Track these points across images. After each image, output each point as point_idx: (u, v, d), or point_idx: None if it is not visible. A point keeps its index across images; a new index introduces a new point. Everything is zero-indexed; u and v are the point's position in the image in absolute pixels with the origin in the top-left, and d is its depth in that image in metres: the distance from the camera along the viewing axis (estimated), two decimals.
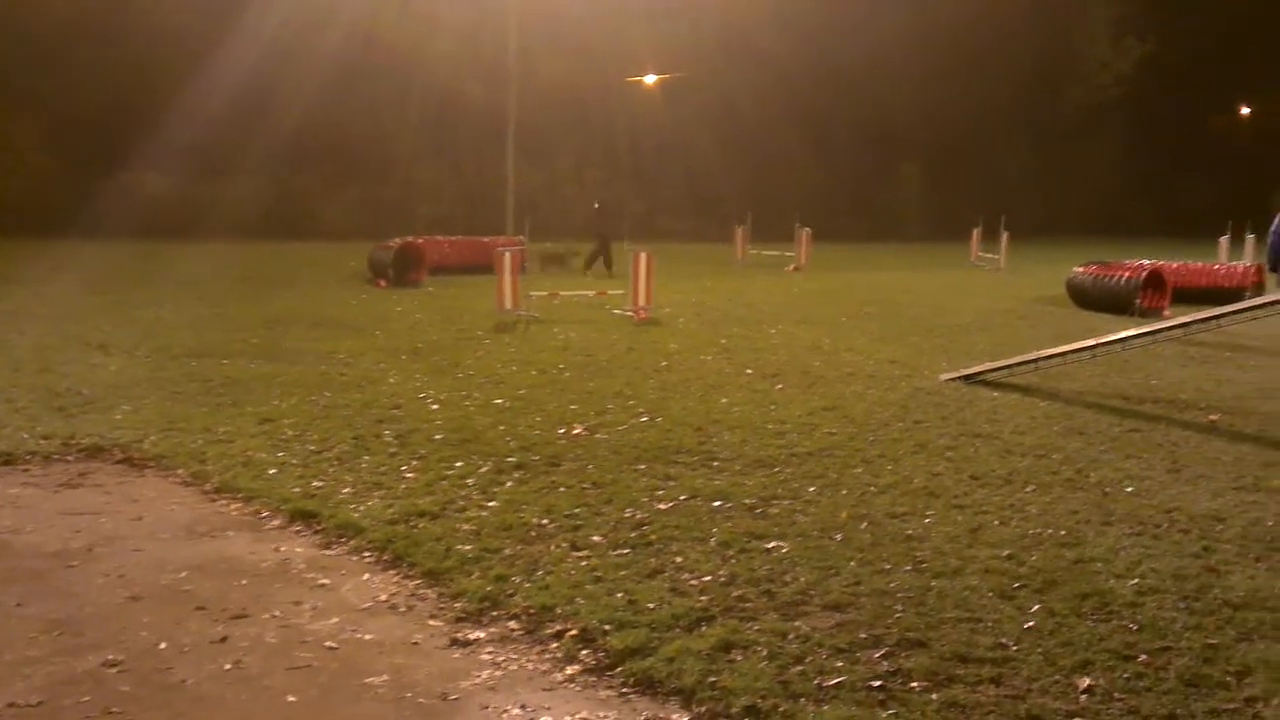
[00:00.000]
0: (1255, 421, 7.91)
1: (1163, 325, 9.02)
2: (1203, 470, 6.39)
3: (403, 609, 4.26)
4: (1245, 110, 55.16)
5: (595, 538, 5.00)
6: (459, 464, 6.28)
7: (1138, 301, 14.98)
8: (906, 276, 23.30)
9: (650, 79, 41.90)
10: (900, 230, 41.71)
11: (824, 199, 41.05)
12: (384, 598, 4.37)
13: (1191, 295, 16.04)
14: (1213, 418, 7.99)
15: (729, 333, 12.68)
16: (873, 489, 5.94)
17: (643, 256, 13.76)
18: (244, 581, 4.51)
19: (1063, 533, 5.18)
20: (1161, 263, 17.35)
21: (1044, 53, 48.31)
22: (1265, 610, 4.22)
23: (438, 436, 6.96)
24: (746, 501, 5.64)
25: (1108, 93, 50.58)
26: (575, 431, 7.20)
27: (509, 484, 5.91)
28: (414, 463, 6.32)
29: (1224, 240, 23.90)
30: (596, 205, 23.98)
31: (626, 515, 5.37)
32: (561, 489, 5.82)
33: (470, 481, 5.94)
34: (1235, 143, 55.12)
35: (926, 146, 46.34)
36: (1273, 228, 12.70)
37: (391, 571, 4.66)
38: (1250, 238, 23.34)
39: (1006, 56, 46.59)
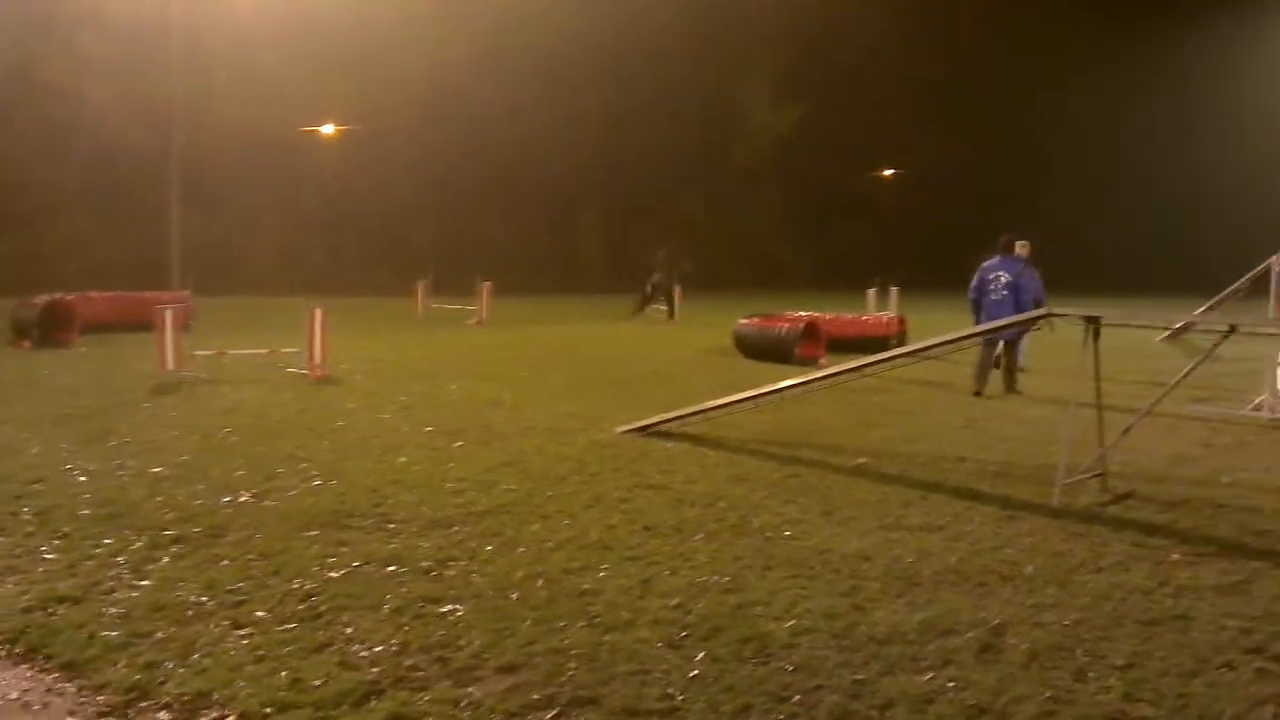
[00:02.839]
0: (898, 463, 8.58)
1: (817, 375, 9.67)
2: (852, 512, 6.86)
3: (37, 707, 3.87)
4: (893, 170, 60.49)
5: (259, 613, 4.76)
6: (108, 541, 5.82)
7: (796, 351, 16.02)
8: (587, 328, 23.85)
9: (328, 129, 41.06)
10: (581, 282, 42.73)
11: (507, 252, 41.54)
12: (14, 695, 3.96)
13: (844, 344, 17.27)
14: (861, 461, 8.62)
15: (409, 389, 12.49)
16: (549, 545, 5.98)
17: (318, 313, 13.33)
18: None
19: (727, 579, 5.41)
20: (817, 314, 18.65)
21: (712, 113, 51.27)
22: (905, 644, 4.56)
23: (85, 511, 6.41)
24: (422, 564, 5.54)
25: (768, 152, 54.20)
26: (241, 499, 6.84)
27: (165, 560, 5.53)
28: (55, 542, 5.79)
29: (871, 292, 25.93)
30: (661, 254, 25.22)
31: (295, 586, 5.15)
32: (224, 562, 5.50)
33: (121, 559, 5.51)
34: (885, 199, 60.32)
35: (606, 201, 47.90)
36: (972, 284, 13.34)
37: (24, 666, 4.22)
38: (894, 289, 25.45)
39: (679, 117, 49.04)
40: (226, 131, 35.57)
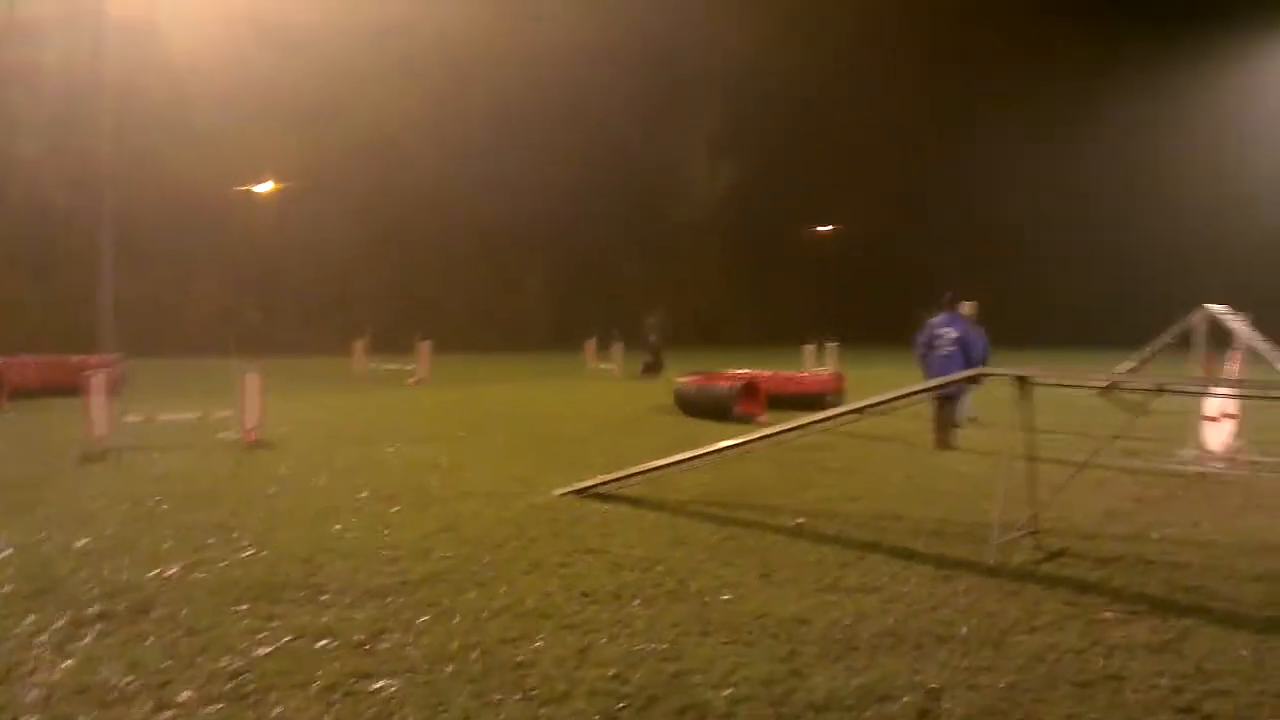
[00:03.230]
0: (836, 523, 8.61)
1: (756, 435, 9.69)
2: (790, 574, 6.86)
3: None
4: (831, 227, 61.41)
5: (185, 694, 4.63)
6: (29, 619, 5.65)
7: (736, 409, 16.09)
8: (528, 387, 23.78)
9: (265, 185, 40.85)
10: (523, 340, 42.68)
11: (448, 310, 41.46)
12: None
13: (784, 401, 17.38)
14: (799, 520, 8.64)
15: (345, 452, 12.35)
16: (485, 614, 5.90)
17: (252, 375, 13.15)
18: None
19: (665, 646, 5.37)
20: (757, 372, 18.78)
21: (653, 173, 51.81)
22: (843, 710, 4.55)
23: (6, 588, 6.23)
24: (355, 638, 5.43)
25: (708, 210, 54.83)
26: (169, 572, 6.68)
27: (88, 638, 5.37)
28: None
29: (809, 348, 26.16)
30: (652, 319, 26.41)
31: (223, 664, 5.02)
32: (150, 640, 5.36)
33: (42, 639, 5.35)
34: (821, 256, 61.14)
35: (547, 258, 48.07)
36: (921, 339, 13.66)
37: None
38: (832, 346, 25.72)
39: (620, 176, 49.47)
40: (160, 188, 35.23)
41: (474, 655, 5.21)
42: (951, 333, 13.33)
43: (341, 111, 39.74)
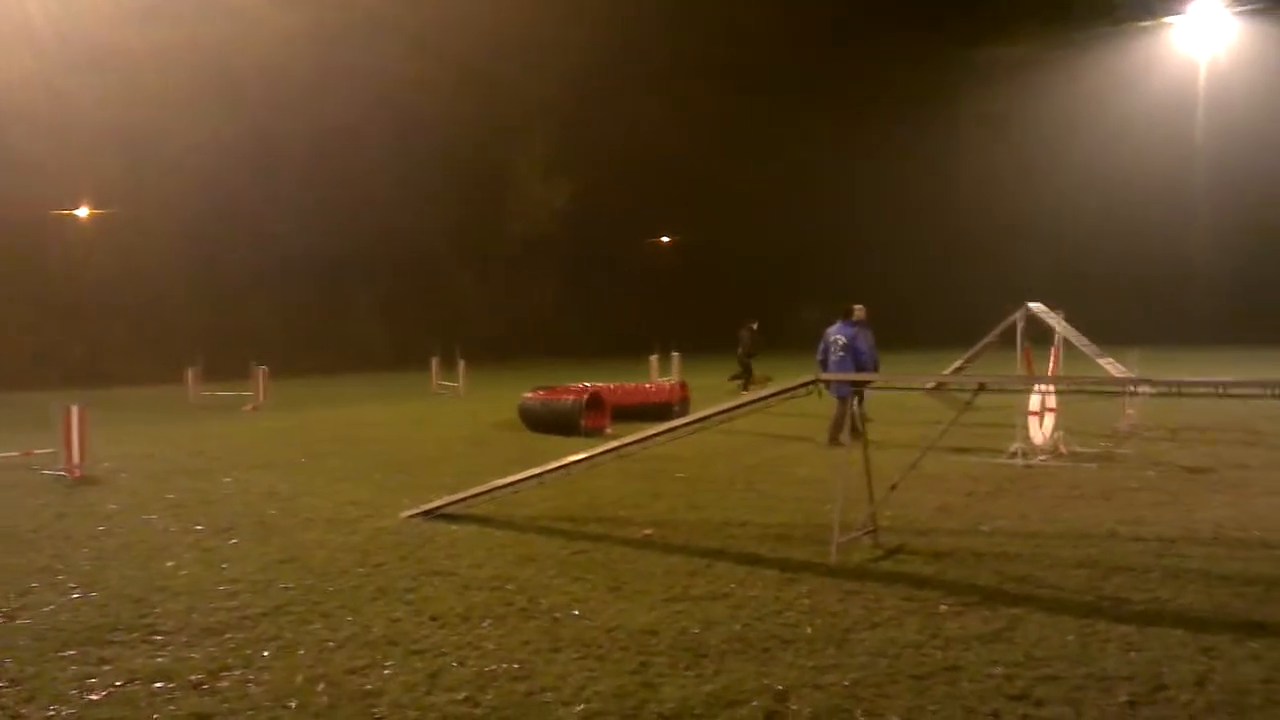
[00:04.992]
0: (683, 532, 8.72)
1: (602, 449, 9.71)
2: (639, 585, 6.91)
3: None
4: (669, 239, 62.14)
5: None
6: None
7: (582, 423, 16.12)
8: (369, 409, 23.33)
9: (82, 212, 39.13)
10: (362, 361, 41.82)
11: (283, 333, 40.35)
12: None
13: (629, 413, 17.49)
14: (647, 532, 8.71)
15: (178, 485, 11.89)
16: (331, 644, 5.78)
17: (74, 409, 12.55)
18: None
19: (516, 665, 5.35)
20: (601, 385, 18.85)
21: (487, 188, 51.54)
22: (693, 718, 4.61)
23: None
24: (193, 678, 5.24)
25: (545, 226, 54.80)
26: None
27: None
28: None
29: (654, 359, 26.43)
30: (745, 333, 25.35)
31: (51, 713, 4.79)
32: None
33: None
34: (661, 268, 61.82)
35: (382, 278, 47.29)
36: (820, 346, 14.49)
37: None
38: (676, 356, 26.04)
39: (455, 191, 49.04)
40: None
41: (320, 688, 5.09)
42: (841, 339, 14.28)
43: (163, 135, 38.25)
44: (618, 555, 7.87)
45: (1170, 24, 51.21)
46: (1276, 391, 6.80)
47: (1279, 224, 50.56)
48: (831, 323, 14.60)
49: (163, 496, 11.09)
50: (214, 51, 38.52)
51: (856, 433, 13.95)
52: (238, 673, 5.34)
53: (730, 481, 11.45)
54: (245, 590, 7.00)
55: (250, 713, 4.78)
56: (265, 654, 5.64)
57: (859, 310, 14.78)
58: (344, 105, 42.80)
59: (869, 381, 12.50)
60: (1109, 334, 16.48)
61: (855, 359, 14.06)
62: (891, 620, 6.00)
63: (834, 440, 13.71)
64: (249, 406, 23.59)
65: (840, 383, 11.16)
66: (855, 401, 14.05)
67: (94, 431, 13.07)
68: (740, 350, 25.92)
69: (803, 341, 20.33)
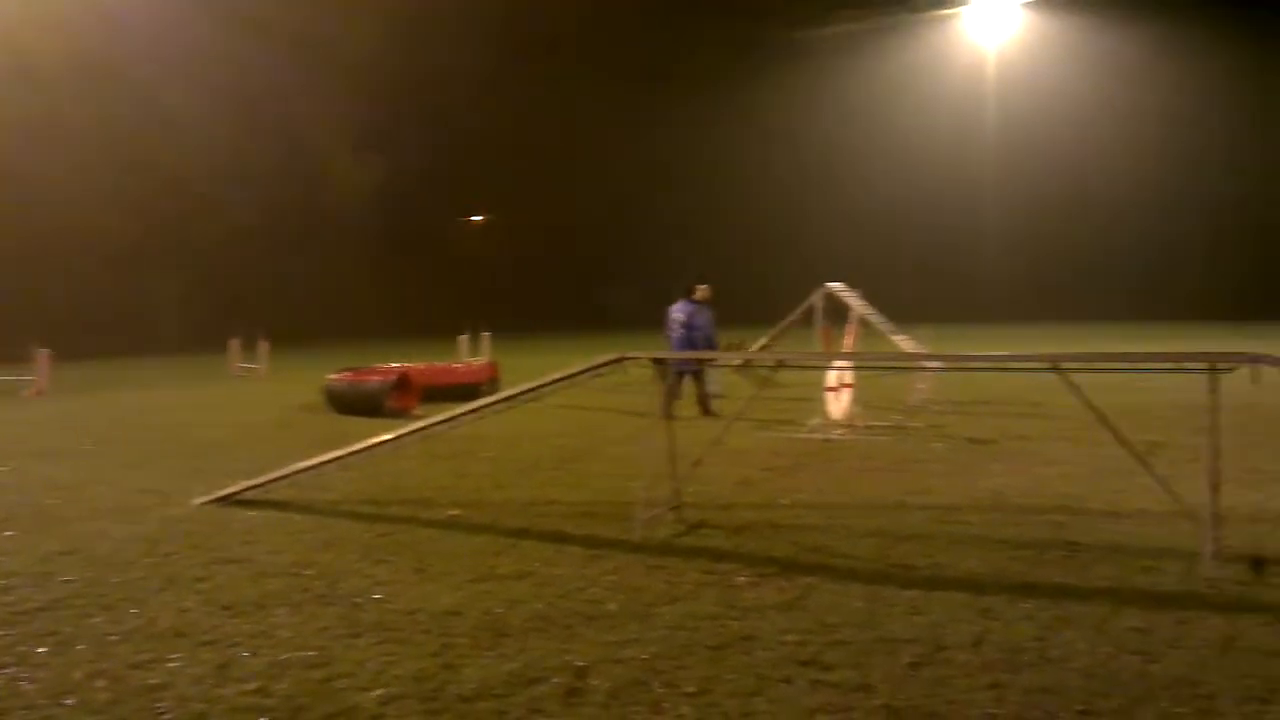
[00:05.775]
0: (489, 512, 8.67)
1: (407, 430, 9.55)
2: (444, 566, 6.84)
3: None
4: (480, 218, 61.59)
5: None
6: None
7: (388, 404, 15.83)
8: (164, 393, 22.31)
9: None
10: (155, 344, 39.86)
11: (69, 314, 38.13)
12: None
13: (438, 393, 17.24)
14: (453, 513, 8.62)
15: None
16: (113, 638, 5.50)
17: None
18: None
19: (312, 653, 5.21)
20: (410, 365, 18.54)
21: (294, 163, 49.85)
22: (493, 699, 4.59)
23: None
24: None
25: (353, 203, 53.51)
26: None
27: None
28: None
29: (463, 339, 26.11)
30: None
31: None
32: None
33: None
34: (473, 247, 61.26)
35: (177, 257, 45.27)
36: (666, 322, 14.97)
37: None
38: (486, 336, 25.78)
39: (258, 167, 47.28)
40: None
41: (100, 684, 4.84)
42: (680, 316, 14.80)
43: None
44: (423, 537, 7.77)
45: (959, 14, 54.24)
46: (1052, 365, 7.21)
47: (1061, 205, 54.17)
48: (674, 301, 15.02)
49: None
50: (1, 25, 36.04)
51: (706, 410, 14.55)
52: (11, 670, 5.03)
53: (537, 461, 11.44)
54: (21, 585, 6.59)
55: (24, 711, 4.51)
56: (41, 650, 5.33)
57: (702, 290, 15.06)
58: (143, 77, 40.67)
59: (687, 360, 12.92)
60: (905, 313, 17.19)
61: (688, 336, 14.51)
62: (691, 594, 6.12)
63: (666, 413, 13.90)
64: (31, 391, 22.19)
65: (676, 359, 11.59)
66: (692, 379, 14.74)
67: None
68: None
69: (605, 322, 20.50)
